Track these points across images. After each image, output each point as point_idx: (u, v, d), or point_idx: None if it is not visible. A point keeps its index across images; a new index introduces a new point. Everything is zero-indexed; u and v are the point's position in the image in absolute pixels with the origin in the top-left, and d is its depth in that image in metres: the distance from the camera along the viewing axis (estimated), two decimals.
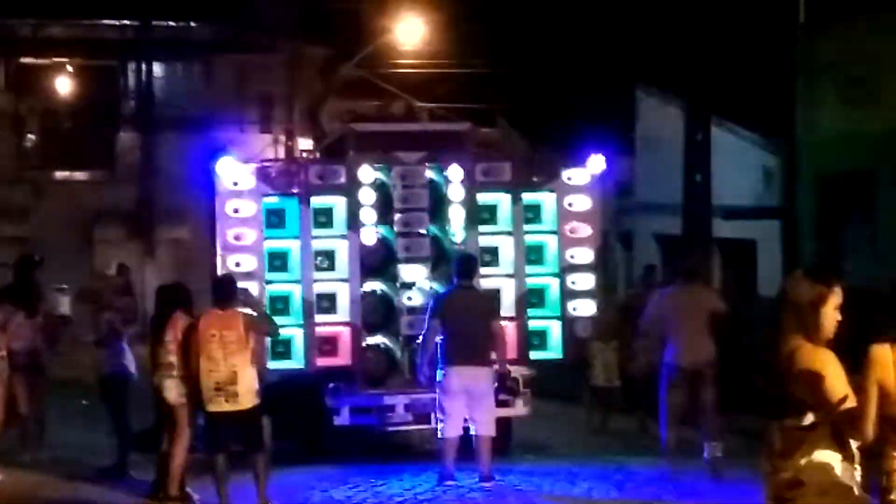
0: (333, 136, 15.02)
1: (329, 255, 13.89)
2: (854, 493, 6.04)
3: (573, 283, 14.24)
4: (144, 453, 13.18)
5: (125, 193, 27.66)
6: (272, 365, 13.22)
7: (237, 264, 13.41)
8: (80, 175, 28.73)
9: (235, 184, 13.57)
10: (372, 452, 14.19)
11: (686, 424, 13.27)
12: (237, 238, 13.53)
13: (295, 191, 13.86)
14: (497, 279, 13.93)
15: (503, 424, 13.44)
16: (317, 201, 13.86)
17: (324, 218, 13.89)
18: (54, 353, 15.22)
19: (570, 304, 14.22)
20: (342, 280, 13.85)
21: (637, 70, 25.51)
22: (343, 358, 13.81)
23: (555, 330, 14.25)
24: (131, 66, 28.48)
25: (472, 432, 12.83)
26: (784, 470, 5.99)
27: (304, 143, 16.80)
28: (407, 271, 13.90)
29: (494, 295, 13.76)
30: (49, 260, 16.18)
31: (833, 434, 5.97)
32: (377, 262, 13.98)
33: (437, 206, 14.01)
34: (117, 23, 28.16)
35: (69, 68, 28.31)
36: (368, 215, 13.81)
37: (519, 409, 13.83)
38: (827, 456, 5.98)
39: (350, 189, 13.82)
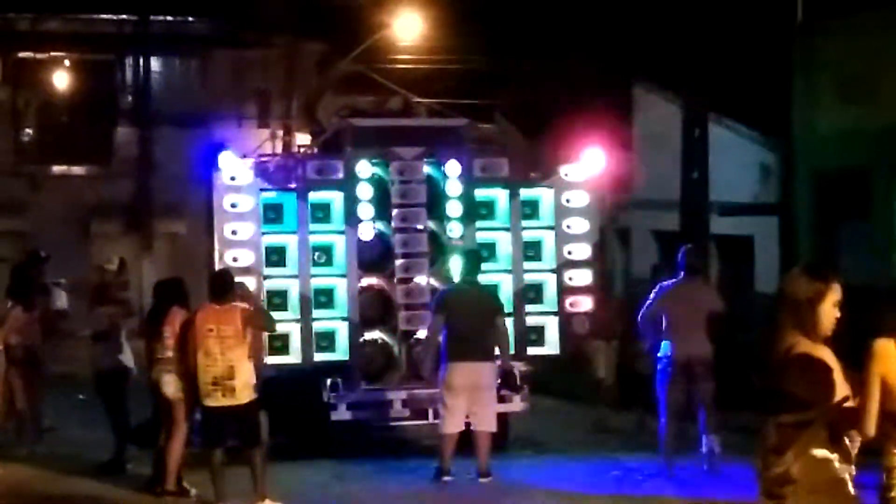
0: (331, 131, 15.01)
1: (327, 250, 13.90)
2: (846, 492, 6.04)
3: (570, 278, 14.25)
4: (142, 448, 13.18)
5: (122, 188, 27.66)
6: (270, 360, 13.22)
7: (234, 259, 13.41)
8: (77, 169, 28.71)
9: (233, 178, 13.57)
10: (369, 448, 14.20)
11: (683, 420, 13.28)
12: (234, 233, 13.53)
13: (292, 186, 13.87)
14: (494, 275, 13.94)
15: (500, 420, 13.45)
16: (314, 196, 13.86)
17: (321, 213, 13.89)
18: (51, 347, 15.21)
19: (568, 300, 14.23)
20: (340, 275, 13.86)
21: (635, 66, 25.49)
22: (340, 353, 13.81)
23: (552, 326, 14.25)
24: (129, 61, 28.48)
25: (472, 427, 12.83)
26: (776, 466, 6.00)
27: (302, 138, 16.78)
28: (404, 267, 13.91)
29: (497, 291, 13.77)
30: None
31: (829, 432, 5.98)
32: (375, 257, 13.98)
33: (435, 201, 14.01)
34: (115, 17, 28.15)
35: (67, 63, 28.30)
36: (366, 210, 13.81)
37: (516, 404, 13.85)
38: (824, 453, 5.98)
39: (348, 184, 13.82)
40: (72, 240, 25.09)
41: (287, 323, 13.62)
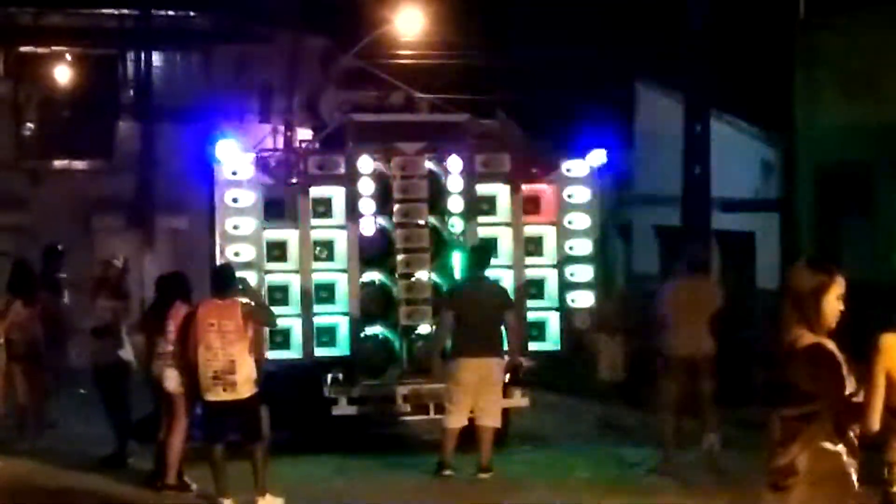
0: (333, 126, 15.01)
1: (328, 246, 13.90)
2: (850, 485, 6.05)
3: (572, 274, 14.25)
4: (143, 442, 13.18)
5: (124, 183, 27.61)
6: (271, 355, 13.22)
7: (236, 254, 13.42)
8: (78, 164, 28.67)
9: (234, 173, 13.58)
10: (370, 443, 14.20)
11: (684, 415, 13.29)
12: (236, 227, 13.53)
13: (294, 180, 13.86)
14: (496, 270, 13.94)
15: (501, 415, 13.45)
16: (316, 191, 13.86)
17: (323, 208, 13.89)
18: (58, 341, 15.21)
19: (569, 296, 14.23)
20: (341, 270, 13.86)
21: (637, 62, 25.48)
22: (341, 348, 13.82)
23: (553, 321, 14.26)
24: (130, 56, 28.40)
25: (476, 422, 12.83)
26: (781, 457, 6.00)
27: (304, 134, 16.77)
28: (406, 262, 13.91)
29: (516, 286, 13.78)
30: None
31: (834, 425, 5.98)
32: (376, 252, 13.98)
33: (437, 197, 14.01)
34: (117, 12, 28.09)
35: (68, 57, 28.25)
36: (367, 206, 13.82)
37: (517, 399, 13.85)
38: (831, 446, 5.99)
39: (349, 179, 13.82)
40: (73, 235, 25.00)
41: (288, 318, 13.62)
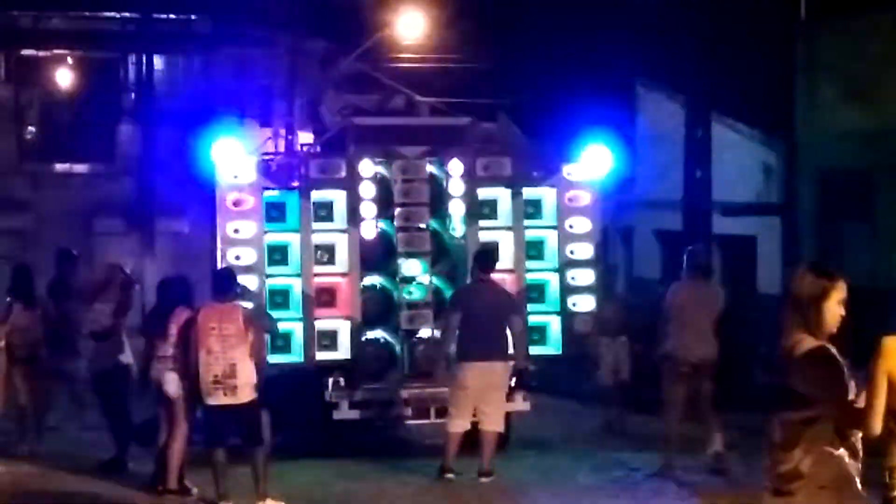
0: (334, 130, 15.00)
1: (329, 249, 13.90)
2: (854, 488, 6.05)
3: (573, 278, 14.25)
4: (143, 446, 13.17)
5: (125, 186, 27.59)
6: (272, 358, 13.20)
7: (237, 257, 13.41)
8: (79, 167, 28.67)
9: (235, 177, 13.57)
10: (371, 447, 14.19)
11: (687, 419, 13.28)
12: (237, 231, 13.52)
13: (295, 184, 13.86)
14: (497, 274, 13.92)
15: (504, 419, 13.44)
16: (317, 195, 13.86)
17: (324, 212, 13.89)
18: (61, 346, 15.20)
19: (570, 300, 14.23)
20: (342, 274, 13.85)
21: (638, 66, 25.47)
22: (342, 352, 13.81)
23: (554, 325, 14.25)
24: (132, 59, 28.41)
25: (480, 426, 12.81)
26: (785, 462, 5.99)
27: (305, 137, 16.75)
28: (407, 266, 13.90)
29: (517, 290, 13.77)
30: (48, 252, 16.17)
31: (835, 429, 5.98)
32: (377, 256, 13.97)
33: (438, 200, 14.01)
34: (118, 15, 28.10)
35: (69, 61, 28.25)
36: (369, 209, 13.81)
37: (519, 403, 13.84)
38: (834, 449, 5.98)
39: (350, 183, 13.82)
40: (74, 238, 24.98)
41: (289, 322, 13.62)
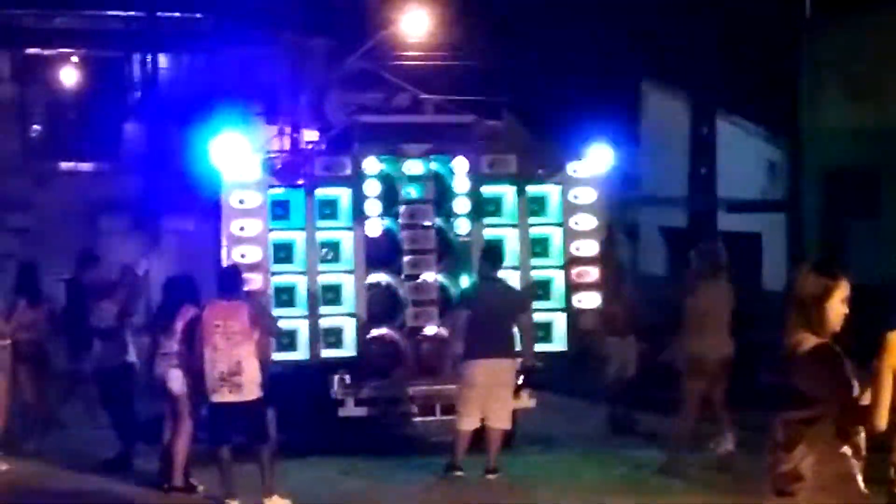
0: (339, 127, 15.00)
1: (334, 247, 13.91)
2: (856, 488, 6.04)
3: (578, 275, 14.25)
4: (149, 444, 13.18)
5: (130, 184, 27.60)
6: (277, 356, 13.21)
7: (242, 255, 13.42)
8: (84, 166, 28.71)
9: (241, 175, 13.58)
10: (377, 444, 14.19)
11: (700, 418, 13.31)
12: (242, 229, 13.53)
13: (300, 182, 13.86)
14: (502, 271, 13.93)
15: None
16: (322, 193, 13.87)
17: (329, 209, 13.90)
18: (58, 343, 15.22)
19: (575, 297, 14.23)
20: (347, 272, 13.86)
21: (643, 63, 25.48)
22: (348, 349, 13.82)
23: (559, 322, 14.25)
24: (136, 58, 28.45)
25: (486, 424, 12.81)
26: (786, 462, 5.99)
27: (310, 135, 16.76)
28: (412, 263, 13.91)
29: (522, 287, 13.77)
30: (53, 251, 16.19)
31: (838, 427, 5.97)
32: (382, 253, 13.98)
33: (443, 198, 14.01)
34: (123, 14, 28.13)
35: (74, 59, 28.29)
36: (373, 207, 13.82)
37: (524, 400, 13.84)
38: (835, 449, 5.98)
39: (355, 181, 13.83)
40: (79, 237, 25.01)
41: (295, 319, 13.64)
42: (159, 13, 27.52)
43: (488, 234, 14.06)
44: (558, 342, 14.23)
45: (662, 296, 17.80)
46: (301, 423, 13.96)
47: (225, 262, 13.32)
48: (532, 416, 14.32)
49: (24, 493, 12.66)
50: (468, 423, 12.77)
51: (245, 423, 11.63)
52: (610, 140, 14.57)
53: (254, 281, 13.10)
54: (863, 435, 6.10)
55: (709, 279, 13.23)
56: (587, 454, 14.21)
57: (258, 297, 12.95)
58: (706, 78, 20.09)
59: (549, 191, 14.36)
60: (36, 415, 14.67)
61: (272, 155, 14.74)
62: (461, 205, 13.99)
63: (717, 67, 19.98)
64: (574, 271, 14.23)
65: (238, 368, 11.41)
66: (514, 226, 14.20)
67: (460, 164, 13.98)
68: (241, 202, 13.55)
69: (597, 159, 14.32)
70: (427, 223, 13.95)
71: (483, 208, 14.12)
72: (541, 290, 14.21)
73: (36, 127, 28.73)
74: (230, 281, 11.89)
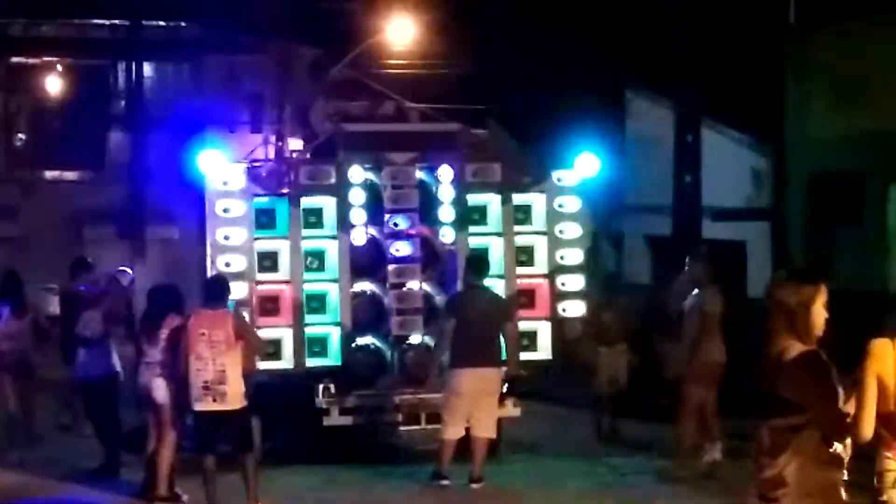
0: (323, 136, 14.99)
1: (319, 256, 13.89)
2: (838, 496, 6.04)
3: (563, 283, 14.25)
4: (134, 453, 13.14)
5: (115, 193, 27.57)
6: (262, 365, 13.19)
7: (227, 264, 13.40)
8: (69, 175, 28.65)
9: (225, 184, 13.57)
10: (362, 453, 14.18)
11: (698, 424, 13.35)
12: (227, 238, 13.52)
13: (285, 191, 13.85)
14: (487, 280, 13.92)
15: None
16: (307, 201, 13.86)
17: (314, 218, 13.89)
18: (43, 352, 15.18)
19: (560, 305, 14.23)
20: (332, 280, 13.85)
21: (627, 71, 25.52)
22: (333, 358, 13.80)
23: (544, 331, 14.24)
24: (121, 66, 28.40)
25: (472, 433, 12.80)
26: (770, 469, 5.99)
27: (295, 144, 16.76)
28: (397, 272, 13.89)
29: (507, 296, 13.77)
30: (38, 260, 16.15)
31: (823, 435, 5.98)
32: (367, 262, 13.97)
33: (428, 206, 14.00)
34: (107, 22, 28.09)
35: (59, 68, 28.23)
36: (358, 216, 13.81)
37: (510, 409, 13.83)
38: (819, 456, 5.98)
39: (340, 189, 13.82)
40: (64, 245, 24.97)
41: (279, 328, 13.62)
42: (144, 22, 27.48)
43: (473, 242, 14.06)
44: (543, 351, 14.22)
45: (649, 303, 17.85)
46: (286, 431, 13.95)
47: (210, 271, 13.30)
48: (517, 424, 14.32)
49: (8, 503, 12.61)
50: (453, 432, 12.76)
51: (229, 432, 11.61)
52: (594, 148, 14.58)
53: (238, 290, 13.07)
54: (849, 442, 6.11)
55: (708, 285, 13.27)
56: (572, 462, 14.20)
57: (240, 309, 12.92)
58: (690, 86, 20.10)
59: (534, 199, 14.36)
60: (20, 425, 14.61)
61: (257, 163, 14.71)
62: (446, 213, 13.98)
63: (702, 75, 19.99)
64: (559, 280, 14.23)
65: (222, 377, 11.39)
66: (499, 234, 14.21)
67: (445, 173, 13.98)
68: (225, 211, 13.54)
69: (581, 168, 14.33)
70: (412, 232, 13.94)
71: (468, 216, 14.12)
72: (525, 298, 14.20)
73: (21, 135, 28.66)
74: (216, 290, 11.87)
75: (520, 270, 14.23)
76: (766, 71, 21.38)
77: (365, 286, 13.99)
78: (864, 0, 19.40)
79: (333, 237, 13.85)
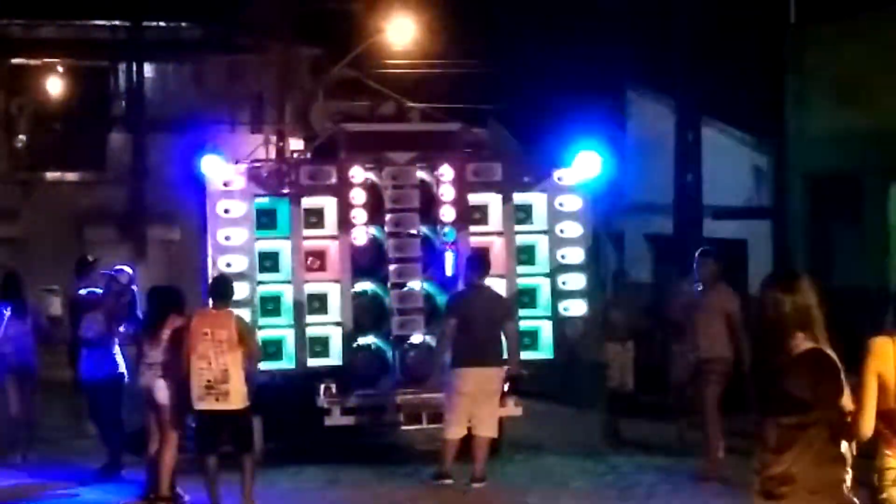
0: (324, 136, 15.01)
1: (320, 256, 13.90)
2: (844, 493, 6.06)
3: (564, 283, 14.25)
4: (136, 454, 13.15)
5: (116, 194, 27.65)
6: (264, 365, 13.19)
7: (228, 265, 13.41)
8: (70, 176, 28.71)
9: (226, 184, 13.58)
10: (363, 453, 14.19)
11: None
12: (228, 238, 13.53)
13: (286, 191, 13.86)
14: (488, 279, 13.93)
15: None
16: (308, 202, 13.86)
17: (315, 218, 13.89)
18: (45, 353, 15.20)
19: (562, 304, 14.23)
20: (333, 280, 13.85)
21: (628, 70, 25.52)
22: (334, 358, 13.81)
23: (545, 330, 14.25)
24: (122, 67, 28.45)
25: (473, 432, 12.81)
26: (776, 465, 6.00)
27: (295, 144, 16.80)
28: (398, 272, 13.90)
29: (508, 295, 13.77)
30: (39, 261, 16.16)
31: (831, 433, 6.00)
32: (368, 262, 13.97)
33: (428, 206, 14.01)
34: (108, 23, 28.14)
35: (60, 69, 28.28)
36: (359, 216, 13.81)
37: (511, 408, 13.84)
38: (827, 454, 6.00)
39: (341, 189, 13.82)
40: (65, 246, 25.03)
41: (281, 328, 13.63)
42: (145, 22, 27.52)
43: (474, 241, 14.06)
44: (544, 350, 14.23)
45: (652, 302, 17.86)
46: (288, 431, 13.96)
47: (211, 272, 13.31)
48: (519, 423, 14.33)
49: None
50: (455, 432, 12.76)
51: (231, 432, 11.62)
52: (595, 147, 14.57)
53: (239, 290, 13.07)
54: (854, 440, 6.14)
55: (716, 284, 13.29)
56: (574, 461, 14.20)
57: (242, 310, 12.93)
58: (691, 84, 20.10)
59: (535, 198, 14.36)
60: (23, 425, 14.62)
61: (258, 164, 14.72)
62: (447, 213, 13.97)
63: (703, 74, 20.00)
64: (560, 278, 14.23)
65: (225, 376, 11.40)
66: (499, 234, 14.20)
67: (446, 172, 13.98)
68: (226, 211, 13.54)
69: (582, 167, 14.33)
70: (413, 231, 13.95)
71: (469, 216, 14.12)
72: (527, 297, 14.21)
73: (22, 136, 28.70)
74: (220, 290, 11.88)
75: (521, 270, 14.23)
76: (767, 69, 21.38)
77: (366, 286, 14.00)
78: None
79: (334, 237, 13.85)
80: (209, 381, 11.39)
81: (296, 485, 12.96)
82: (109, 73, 28.82)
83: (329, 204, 13.89)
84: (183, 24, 28.47)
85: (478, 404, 12.72)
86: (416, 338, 13.85)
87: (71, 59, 28.24)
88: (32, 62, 28.31)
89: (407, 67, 27.23)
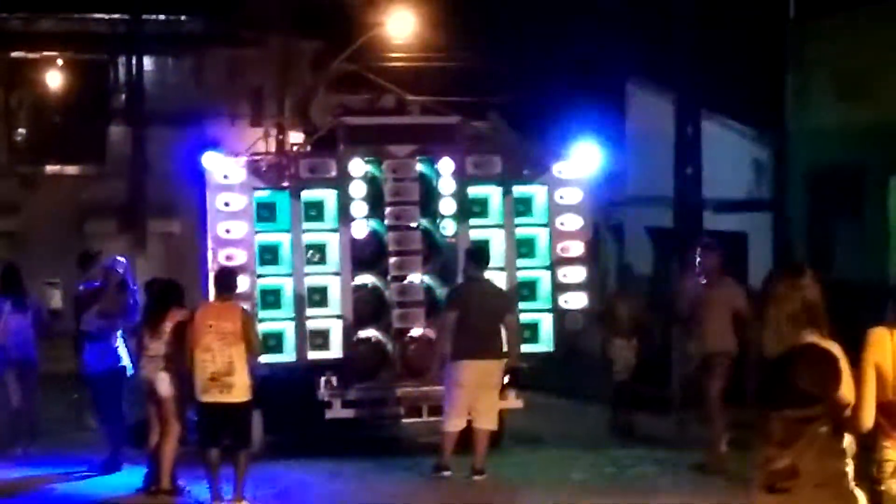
0: (324, 129, 15.00)
1: (320, 249, 13.90)
2: (848, 486, 6.06)
3: (564, 275, 14.25)
4: (137, 447, 13.16)
5: (116, 187, 27.62)
6: (264, 358, 13.19)
7: (228, 258, 13.41)
8: (70, 169, 28.70)
9: (226, 177, 13.58)
10: (364, 445, 14.20)
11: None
12: (228, 231, 13.53)
13: (285, 184, 13.86)
14: (488, 272, 13.93)
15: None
16: (307, 195, 13.86)
17: (314, 211, 13.89)
18: (46, 346, 15.20)
19: (562, 297, 14.23)
20: (333, 273, 13.85)
21: (628, 63, 25.50)
22: (335, 351, 13.81)
23: (546, 323, 14.25)
24: (122, 60, 28.43)
25: (473, 425, 12.82)
26: (781, 459, 6.00)
27: (295, 137, 16.79)
28: (398, 264, 13.90)
29: (508, 288, 13.77)
30: (39, 254, 16.16)
31: (835, 427, 6.00)
32: (368, 255, 13.97)
33: (428, 199, 14.01)
34: (108, 17, 28.11)
35: (60, 62, 28.27)
36: (359, 209, 13.81)
37: (511, 401, 13.85)
38: (832, 447, 6.00)
39: (341, 182, 13.82)
40: (65, 239, 25.04)
41: (281, 321, 13.63)
42: (144, 16, 27.48)
43: (474, 234, 14.06)
44: (545, 343, 14.23)
45: (654, 296, 17.87)
46: (288, 424, 13.96)
47: (211, 265, 13.31)
48: (519, 416, 14.34)
49: (12, 496, 12.62)
50: (455, 424, 12.77)
51: (232, 426, 11.61)
52: (595, 140, 14.58)
53: (240, 283, 13.07)
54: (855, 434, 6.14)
55: (720, 277, 13.30)
56: (574, 454, 14.22)
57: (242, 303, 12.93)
58: (691, 77, 20.08)
59: (535, 191, 14.36)
60: (24, 418, 14.63)
61: (257, 157, 14.71)
62: (447, 206, 13.98)
63: (703, 67, 19.97)
64: (560, 271, 14.23)
65: (230, 369, 11.39)
66: (500, 226, 14.20)
67: (446, 165, 13.98)
68: (226, 204, 13.54)
69: (582, 159, 14.33)
70: (413, 224, 13.95)
71: (469, 209, 14.12)
72: (527, 290, 14.21)
73: (21, 130, 28.69)
74: (225, 282, 11.90)
75: (521, 262, 14.23)
76: (768, 62, 21.36)
77: (366, 279, 14.00)
78: None
79: (334, 230, 13.85)
80: (213, 373, 11.39)
81: (296, 477, 12.96)
82: (109, 66, 28.80)
83: (329, 197, 13.89)
84: (183, 17, 28.45)
85: (478, 397, 12.73)
86: (417, 331, 13.85)
87: (70, 52, 28.23)
88: (32, 55, 28.30)
89: (407, 60, 27.21)
